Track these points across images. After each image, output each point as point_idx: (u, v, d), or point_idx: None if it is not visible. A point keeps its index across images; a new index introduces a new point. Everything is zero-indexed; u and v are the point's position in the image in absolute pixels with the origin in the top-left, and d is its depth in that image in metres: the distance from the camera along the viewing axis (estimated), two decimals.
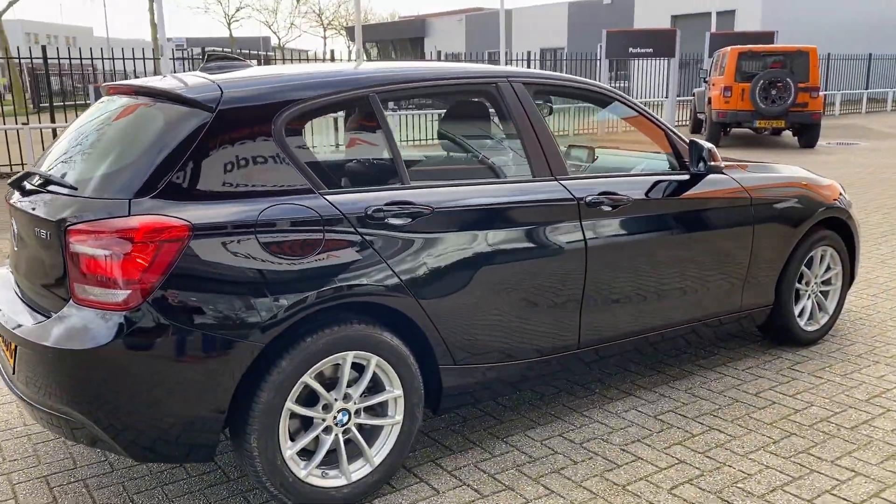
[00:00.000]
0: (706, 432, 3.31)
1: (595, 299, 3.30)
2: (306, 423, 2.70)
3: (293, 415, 2.64)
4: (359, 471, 2.78)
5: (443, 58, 16.70)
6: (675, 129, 3.74)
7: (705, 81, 16.96)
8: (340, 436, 2.73)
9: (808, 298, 4.33)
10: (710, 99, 15.81)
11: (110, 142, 2.70)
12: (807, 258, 4.19)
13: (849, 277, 4.46)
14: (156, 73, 14.02)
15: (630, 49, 17.75)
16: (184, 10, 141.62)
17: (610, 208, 3.29)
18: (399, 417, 2.83)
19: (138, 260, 2.32)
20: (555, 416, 3.48)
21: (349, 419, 2.73)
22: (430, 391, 2.98)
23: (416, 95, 3.27)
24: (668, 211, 3.51)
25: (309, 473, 2.67)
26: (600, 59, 18.23)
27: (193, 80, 2.74)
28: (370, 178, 3.10)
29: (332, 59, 16.80)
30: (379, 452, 2.82)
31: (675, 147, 3.69)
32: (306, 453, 2.72)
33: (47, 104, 14.06)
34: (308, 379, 2.60)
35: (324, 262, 2.59)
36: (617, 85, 27.13)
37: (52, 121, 13.38)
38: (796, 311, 4.23)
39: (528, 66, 17.49)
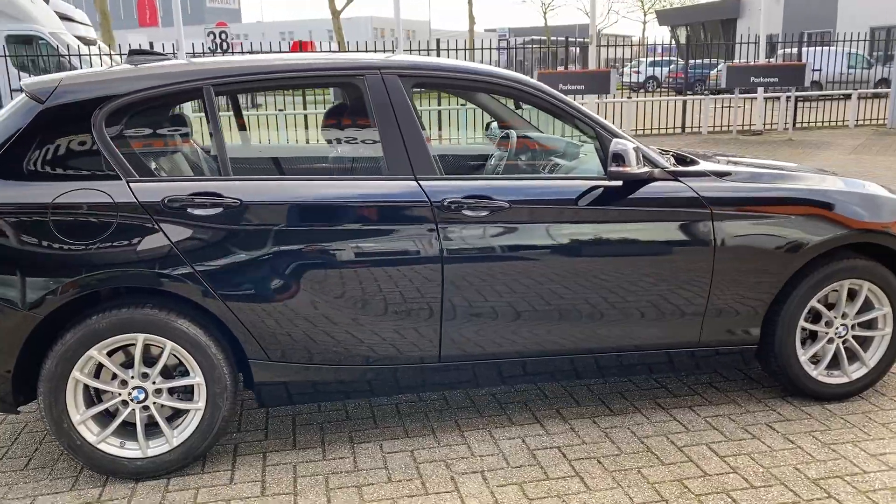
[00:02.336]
0: (565, 478, 2.87)
1: (461, 313, 3.02)
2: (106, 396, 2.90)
3: (102, 387, 2.85)
4: (157, 448, 2.91)
5: (751, 38, 15.53)
6: (611, 128, 3.21)
7: None
8: (138, 411, 2.89)
9: (827, 343, 3.44)
10: None
11: None
12: (822, 292, 3.33)
13: None
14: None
15: None
16: (504, 2, 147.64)
17: (479, 213, 2.98)
18: (201, 404, 2.90)
19: None
20: (437, 430, 3.26)
21: (146, 397, 2.88)
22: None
23: (262, 88, 3.25)
24: (568, 221, 3.06)
25: (102, 440, 2.87)
26: None
27: (55, 76, 3.04)
28: (189, 169, 3.16)
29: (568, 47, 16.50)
30: (181, 434, 2.92)
31: (605, 147, 3.18)
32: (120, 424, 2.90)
33: None
34: (96, 353, 2.79)
35: (110, 246, 2.75)
36: None
37: None
38: (805, 356, 3.40)
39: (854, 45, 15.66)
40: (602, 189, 3.09)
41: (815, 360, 3.46)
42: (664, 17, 52.87)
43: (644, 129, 15.01)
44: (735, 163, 3.63)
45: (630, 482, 2.83)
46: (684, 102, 15.43)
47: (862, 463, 2.94)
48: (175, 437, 2.91)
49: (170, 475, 2.94)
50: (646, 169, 3.07)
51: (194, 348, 2.85)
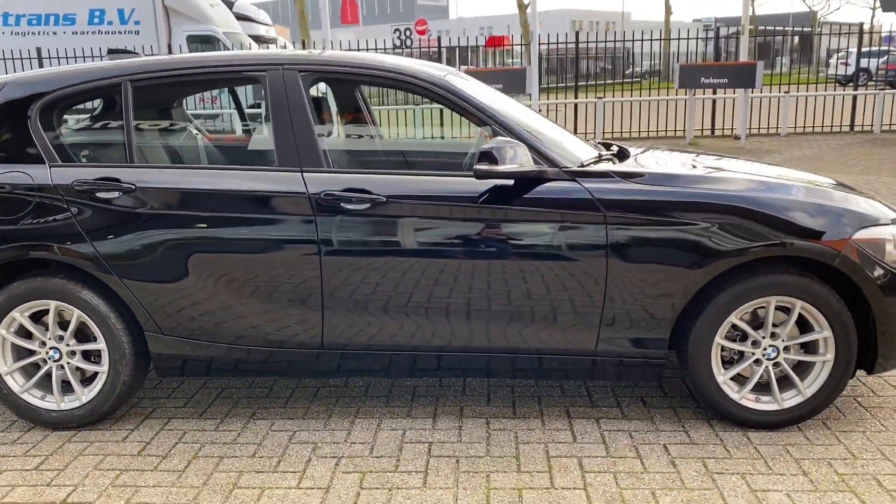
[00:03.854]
0: (411, 472, 2.88)
1: (341, 302, 3.11)
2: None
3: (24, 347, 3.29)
4: (70, 403, 3.29)
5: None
6: (513, 126, 3.11)
7: None
8: (54, 369, 3.28)
9: (754, 364, 3.13)
10: None
11: None
12: (743, 308, 3.04)
13: (850, 351, 3.04)
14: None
15: None
16: None
17: (358, 206, 3.05)
18: (105, 368, 3.24)
19: None
20: (317, 415, 3.39)
21: (60, 357, 3.26)
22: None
23: (177, 84, 3.46)
24: (447, 217, 3.04)
25: (25, 391, 3.29)
26: None
27: (3, 78, 3.47)
28: (104, 156, 3.45)
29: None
30: (90, 393, 3.27)
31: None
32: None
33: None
34: (17, 315, 3.21)
35: (29, 222, 3.14)
36: None
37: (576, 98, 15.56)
38: (724, 376, 3.12)
39: None
40: (492, 187, 3.02)
41: (742, 383, 3.16)
42: (889, 1, 47.61)
43: (802, 127, 13.79)
44: (688, 164, 3.39)
45: (469, 485, 2.78)
46: (854, 98, 13.97)
47: (732, 498, 2.67)
48: (85, 395, 3.26)
49: (79, 429, 3.30)
50: (528, 168, 2.96)
51: (97, 317, 3.18)
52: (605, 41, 14.64)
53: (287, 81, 3.18)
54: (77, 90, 3.26)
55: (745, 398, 3.14)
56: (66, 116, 3.34)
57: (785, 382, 3.15)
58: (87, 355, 3.29)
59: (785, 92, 13.93)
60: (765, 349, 3.10)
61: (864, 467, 2.84)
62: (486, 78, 12.81)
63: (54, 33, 15.42)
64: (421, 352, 3.17)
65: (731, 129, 14.25)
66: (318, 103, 3.90)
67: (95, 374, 3.28)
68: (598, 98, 13.99)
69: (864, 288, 2.98)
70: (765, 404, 3.14)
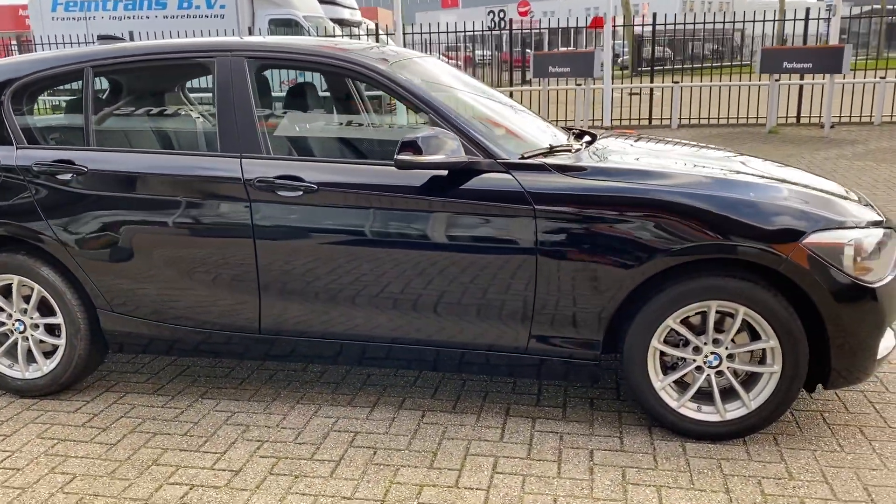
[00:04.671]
0: (312, 460, 2.89)
1: (277, 289, 3.15)
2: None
3: None
4: (34, 373, 3.47)
5: None
6: (451, 116, 3.03)
7: None
8: (20, 340, 3.47)
9: (696, 371, 2.96)
10: None
11: None
12: (681, 311, 2.87)
13: (798, 362, 2.82)
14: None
15: None
16: None
17: (290, 193, 3.06)
18: (63, 341, 3.40)
19: None
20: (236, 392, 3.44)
21: (24, 329, 3.44)
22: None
23: (136, 69, 3.53)
24: (378, 207, 3.01)
25: None
26: None
27: None
28: (67, 139, 3.57)
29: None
30: (51, 364, 3.44)
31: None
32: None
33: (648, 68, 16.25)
34: None
35: None
36: None
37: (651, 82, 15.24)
38: (662, 382, 2.96)
39: None
40: (430, 178, 2.96)
41: (685, 389, 2.99)
42: None
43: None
44: (645, 153, 3.23)
45: (375, 478, 2.76)
46: None
47: None
48: (46, 366, 3.44)
49: (42, 397, 3.48)
50: (457, 159, 2.88)
51: (54, 292, 3.33)
52: (685, 23, 14.03)
53: (234, 67, 3.22)
54: (45, 76, 3.41)
55: (686, 407, 2.97)
56: (32, 99, 3.48)
57: (731, 393, 2.96)
58: (50, 329, 3.46)
59: (881, 77, 12.96)
60: (706, 356, 2.92)
61: (796, 490, 2.64)
62: (553, 61, 12.60)
63: (147, 17, 16.18)
64: (353, 341, 3.17)
65: (819, 117, 13.41)
66: (302, 89, 3.93)
67: (56, 346, 3.44)
68: (675, 83, 13.46)
69: (815, 296, 2.75)
70: (706, 414, 2.96)
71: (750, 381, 2.96)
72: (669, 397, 2.97)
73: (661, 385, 2.95)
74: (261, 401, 3.41)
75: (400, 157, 2.84)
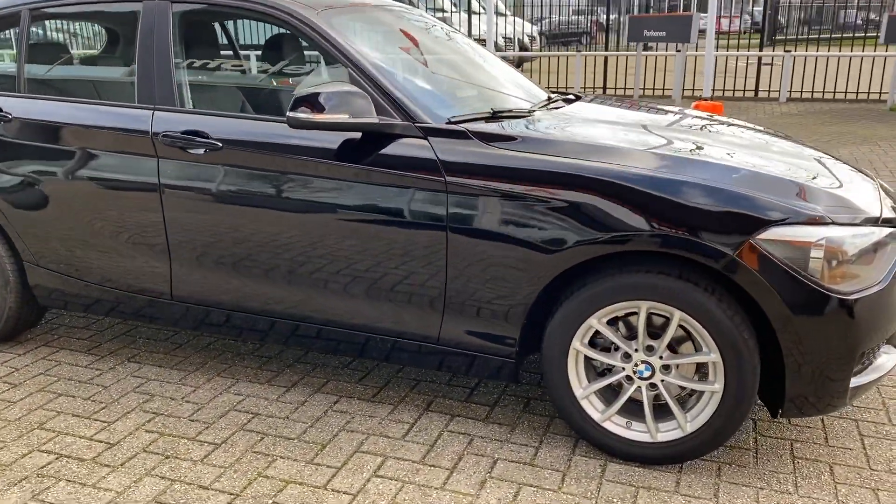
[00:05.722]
0: (185, 438, 2.68)
1: (185, 253, 2.94)
2: None
3: None
4: None
5: None
6: (371, 72, 2.67)
7: None
8: None
9: (626, 381, 2.52)
10: None
11: None
12: (607, 310, 2.43)
13: (743, 382, 2.33)
14: None
15: None
16: None
17: (197, 151, 2.83)
18: None
19: None
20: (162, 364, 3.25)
21: None
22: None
23: (71, 15, 3.33)
24: (279, 171, 2.72)
25: None
26: None
27: None
28: (5, 86, 3.43)
29: None
30: None
31: (375, 98, 2.65)
32: None
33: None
34: None
35: None
36: None
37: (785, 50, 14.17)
38: (584, 390, 2.54)
39: None
40: (344, 141, 2.64)
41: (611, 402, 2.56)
42: None
43: None
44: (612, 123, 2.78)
45: (245, 467, 2.52)
46: None
47: None
48: None
49: None
50: (364, 121, 2.53)
51: None
52: None
53: (157, 12, 2.99)
54: None
55: (612, 422, 2.54)
56: None
57: (668, 410, 2.50)
58: None
59: None
60: (636, 365, 2.47)
61: None
62: (649, 24, 11.76)
63: None
64: (262, 316, 2.91)
65: None
66: (279, 41, 3.67)
67: None
68: (787, 52, 12.28)
69: (766, 305, 2.25)
70: (636, 433, 2.52)
71: (690, 399, 2.49)
72: (593, 409, 2.55)
73: (584, 393, 2.53)
74: (183, 370, 3.23)
75: (294, 114, 2.52)
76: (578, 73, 13.09)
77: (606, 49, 14.15)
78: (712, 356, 2.34)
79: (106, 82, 3.38)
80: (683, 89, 12.58)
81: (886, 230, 2.36)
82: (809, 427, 2.74)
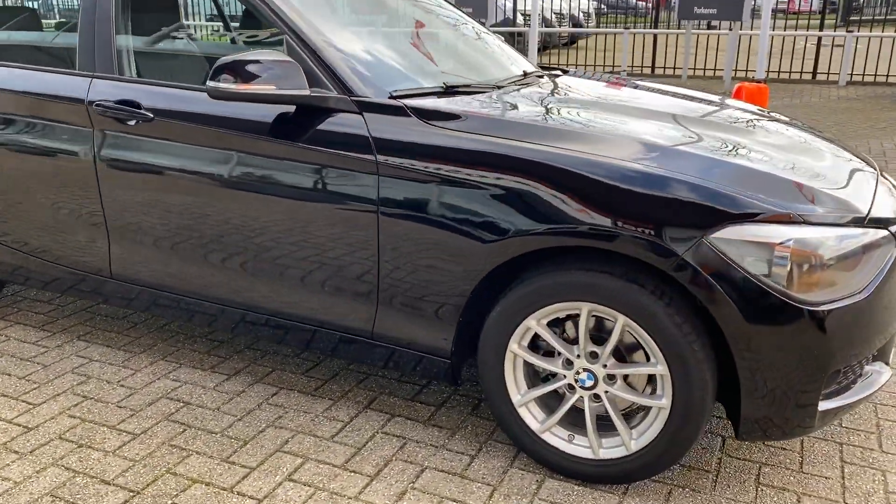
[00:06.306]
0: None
1: (121, 230, 2.79)
2: None
3: None
4: None
5: None
6: (310, 38, 2.44)
7: None
8: None
9: (568, 390, 2.26)
10: None
11: None
12: (546, 310, 2.17)
13: (691, 398, 2.05)
14: None
15: None
16: None
17: (130, 122, 2.66)
18: None
19: None
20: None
21: None
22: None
23: None
24: (204, 145, 2.53)
25: None
26: None
27: None
28: None
29: None
30: None
31: (310, 68, 2.42)
32: None
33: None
34: None
35: None
36: None
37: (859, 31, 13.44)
38: (522, 397, 2.30)
39: None
40: (278, 115, 2.43)
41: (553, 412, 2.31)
42: None
43: None
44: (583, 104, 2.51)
45: (153, 463, 2.36)
46: None
47: None
48: None
49: None
50: (294, 92, 2.31)
51: None
52: None
53: None
54: None
55: (552, 433, 2.29)
56: None
57: (608, 426, 2.24)
58: None
59: None
60: (577, 373, 2.21)
61: None
62: (700, 1, 11.19)
63: None
64: (205, 301, 2.74)
65: None
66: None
67: None
68: (849, 32, 11.55)
69: (717, 312, 1.96)
70: (578, 448, 2.27)
71: (637, 414, 2.23)
72: (532, 418, 2.30)
73: (522, 400, 2.29)
74: (130, 351, 3.10)
75: (215, 83, 2.31)
76: (626, 51, 12.58)
77: (656, 26, 13.56)
78: (659, 368, 2.07)
79: (55, 49, 3.23)
80: (736, 70, 11.98)
81: (875, 232, 2.04)
82: (785, 449, 2.44)
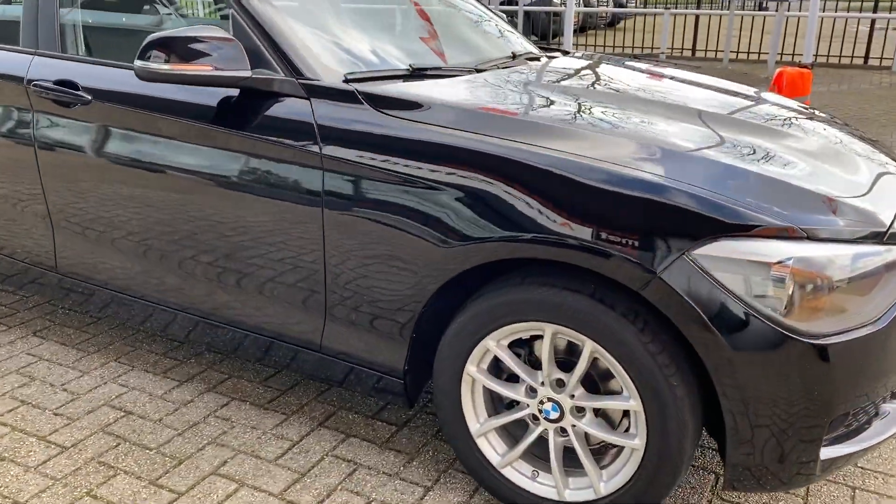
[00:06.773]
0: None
1: (65, 224, 2.58)
2: None
3: None
4: None
5: None
6: (264, 18, 2.17)
7: None
8: None
9: (532, 421, 1.98)
10: None
11: None
12: (507, 330, 1.89)
13: (667, 438, 1.75)
14: None
15: None
16: None
17: (68, 104, 2.43)
18: None
19: None
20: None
21: None
22: None
23: None
24: (146, 132, 2.29)
25: None
26: None
27: None
28: None
29: None
30: None
31: (256, 47, 2.16)
32: None
33: None
34: None
35: None
36: None
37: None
38: (481, 425, 2.02)
39: None
40: (221, 98, 2.18)
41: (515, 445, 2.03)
42: None
43: None
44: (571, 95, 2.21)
45: (68, 479, 2.14)
46: None
47: None
48: None
49: None
50: (232, 74, 2.04)
51: None
52: None
53: None
54: None
55: (514, 468, 2.01)
56: None
57: (574, 463, 1.95)
58: None
59: None
60: (541, 402, 1.92)
61: None
62: None
63: None
64: (152, 303, 2.51)
65: None
66: None
67: None
68: None
69: (697, 341, 1.65)
70: (541, 487, 1.98)
71: (609, 452, 1.93)
72: (492, 450, 2.02)
73: (480, 430, 2.01)
74: (83, 350, 2.90)
75: (143, 63, 2.05)
76: (666, 32, 12.07)
77: (698, 7, 12.98)
78: (632, 403, 1.77)
79: (1, 22, 3.02)
80: (782, 53, 11.39)
81: (887, 248, 1.70)
82: (786, 493, 2.12)
